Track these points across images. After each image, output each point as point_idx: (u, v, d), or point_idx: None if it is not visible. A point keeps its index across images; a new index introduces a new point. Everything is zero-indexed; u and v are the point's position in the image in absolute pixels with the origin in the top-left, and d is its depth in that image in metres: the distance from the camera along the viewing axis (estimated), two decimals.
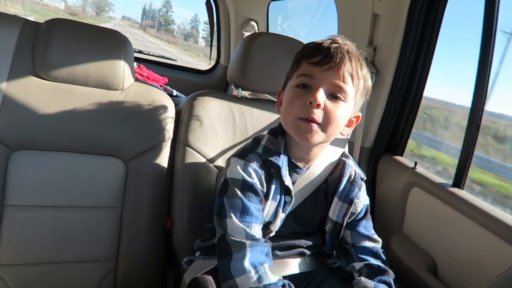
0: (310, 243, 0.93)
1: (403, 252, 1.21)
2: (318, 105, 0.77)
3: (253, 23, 2.52)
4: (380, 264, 0.91)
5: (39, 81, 1.05)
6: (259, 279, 0.75)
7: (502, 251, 0.93)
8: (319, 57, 0.79)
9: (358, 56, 0.83)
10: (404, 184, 1.28)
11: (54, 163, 1.04)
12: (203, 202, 1.10)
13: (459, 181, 1.14)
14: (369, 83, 0.87)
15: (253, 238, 0.79)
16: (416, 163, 1.29)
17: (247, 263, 0.76)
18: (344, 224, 0.92)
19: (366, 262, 0.90)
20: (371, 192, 1.47)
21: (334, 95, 0.80)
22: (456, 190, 1.12)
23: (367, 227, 0.95)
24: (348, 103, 0.81)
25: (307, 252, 0.93)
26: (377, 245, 0.95)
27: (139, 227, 1.11)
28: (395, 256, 1.21)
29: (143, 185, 1.12)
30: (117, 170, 1.10)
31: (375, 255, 0.92)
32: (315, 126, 0.79)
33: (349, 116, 0.85)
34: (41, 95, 1.04)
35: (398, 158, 1.40)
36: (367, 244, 0.93)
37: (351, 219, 0.94)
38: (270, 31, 2.58)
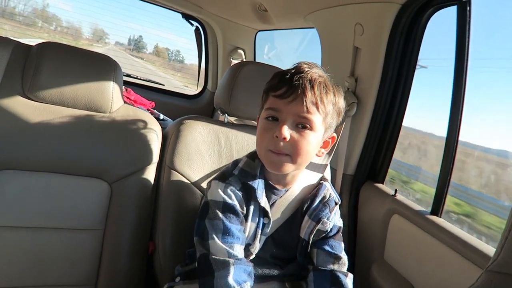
0: (290, 268, 0.93)
1: (384, 280, 1.22)
2: (284, 139, 0.80)
3: (241, 51, 2.59)
4: None
5: (27, 102, 1.06)
6: None
7: (476, 277, 0.95)
8: (283, 90, 0.82)
9: (325, 81, 0.84)
10: (385, 212, 1.31)
11: (38, 183, 1.03)
12: (187, 226, 1.10)
13: (437, 209, 1.18)
14: (340, 104, 0.88)
15: (236, 258, 0.80)
16: (396, 191, 1.32)
17: (231, 280, 0.76)
18: (310, 241, 0.91)
19: None
20: (353, 219, 1.49)
21: (301, 125, 0.82)
22: (434, 218, 1.15)
23: (334, 246, 0.93)
24: (316, 131, 0.83)
25: (287, 277, 0.93)
26: (341, 268, 0.91)
27: (120, 250, 1.09)
28: (376, 284, 1.22)
29: (127, 208, 1.11)
30: (101, 192, 1.09)
31: (335, 283, 0.88)
32: (284, 157, 0.82)
33: (320, 141, 0.87)
34: (29, 115, 1.05)
35: (379, 185, 1.44)
36: (330, 266, 0.91)
37: (320, 237, 0.93)
38: (256, 59, 2.66)
